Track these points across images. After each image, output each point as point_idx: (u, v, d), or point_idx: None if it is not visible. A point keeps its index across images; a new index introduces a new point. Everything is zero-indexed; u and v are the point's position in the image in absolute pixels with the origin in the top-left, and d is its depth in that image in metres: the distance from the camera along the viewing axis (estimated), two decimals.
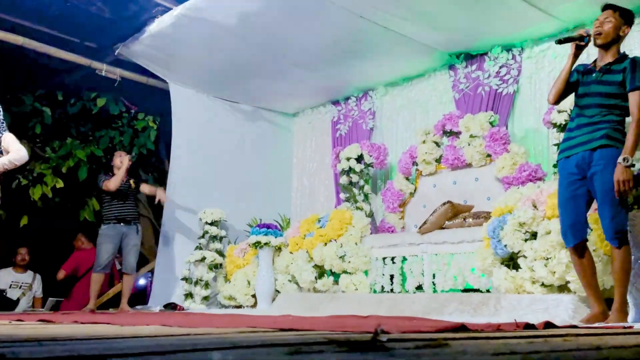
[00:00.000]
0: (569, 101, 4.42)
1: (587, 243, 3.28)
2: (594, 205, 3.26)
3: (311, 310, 4.78)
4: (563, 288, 3.69)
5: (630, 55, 3.23)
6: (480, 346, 1.07)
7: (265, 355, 0.91)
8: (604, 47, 3.22)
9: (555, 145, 4.69)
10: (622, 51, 3.27)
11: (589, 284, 3.16)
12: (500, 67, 5.51)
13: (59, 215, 7.02)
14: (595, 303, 3.13)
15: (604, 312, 3.10)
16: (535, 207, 3.92)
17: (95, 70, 6.29)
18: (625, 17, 3.22)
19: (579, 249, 3.19)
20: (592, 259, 3.23)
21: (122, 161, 5.78)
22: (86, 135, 7.20)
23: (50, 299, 6.40)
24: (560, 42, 3.36)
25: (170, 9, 5.31)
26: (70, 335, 1.61)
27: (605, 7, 3.26)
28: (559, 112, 4.54)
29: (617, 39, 3.21)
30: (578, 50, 3.28)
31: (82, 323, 3.01)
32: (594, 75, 3.24)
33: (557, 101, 3.41)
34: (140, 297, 7.30)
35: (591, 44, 3.28)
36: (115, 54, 5.97)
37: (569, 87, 3.34)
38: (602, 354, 0.90)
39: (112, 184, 5.67)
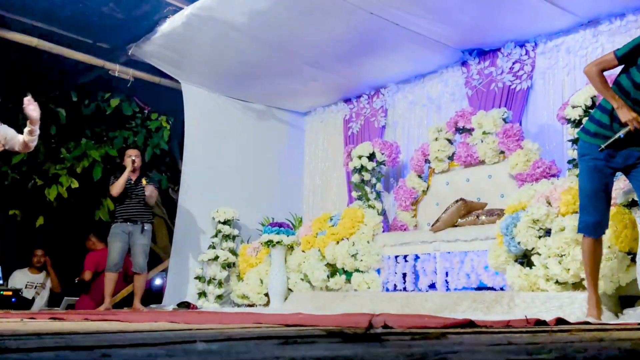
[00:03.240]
0: (584, 96, 4.36)
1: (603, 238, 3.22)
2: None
3: (323, 308, 4.76)
4: (577, 285, 3.62)
5: None
6: (478, 338, 1.04)
7: (254, 347, 0.89)
8: None
9: (569, 141, 4.62)
10: None
11: (596, 276, 3.13)
12: (514, 63, 5.44)
13: (74, 215, 7.09)
14: (595, 295, 3.10)
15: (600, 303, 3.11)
16: (549, 203, 3.85)
17: (109, 71, 6.34)
18: None
19: (600, 240, 3.13)
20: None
21: (126, 164, 5.80)
22: (100, 135, 7.27)
23: (65, 298, 6.46)
24: (603, 150, 3.03)
25: (181, 8, 5.33)
26: (72, 330, 1.61)
27: None
28: (573, 107, 4.46)
29: None
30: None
31: (92, 320, 3.02)
32: None
33: None
34: (156, 296, 7.34)
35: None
36: (128, 54, 6.02)
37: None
38: (602, 345, 0.87)
39: (114, 189, 5.69)
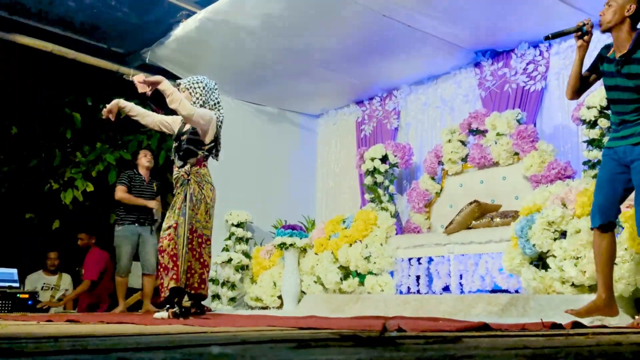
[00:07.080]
0: (599, 97, 4.33)
1: (618, 238, 3.14)
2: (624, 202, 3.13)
3: (336, 311, 4.75)
4: (594, 288, 3.58)
5: None
6: (494, 342, 1.03)
7: (268, 350, 0.89)
8: (611, 32, 3.03)
9: (585, 142, 4.58)
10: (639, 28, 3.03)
11: (602, 269, 2.97)
12: (528, 64, 5.41)
13: (89, 218, 7.15)
14: (602, 291, 2.95)
15: (608, 302, 2.94)
16: (564, 205, 3.82)
17: (123, 75, 6.40)
18: None
19: (603, 230, 2.98)
20: (615, 246, 3.03)
21: (141, 163, 5.84)
22: (115, 139, 7.32)
23: None
24: (549, 38, 3.17)
25: (194, 12, 5.36)
26: (89, 333, 1.62)
27: None
28: (588, 108, 4.43)
29: (623, 20, 2.96)
30: (583, 41, 3.09)
31: (107, 323, 3.05)
32: (613, 66, 3.03)
33: (576, 96, 3.23)
34: None
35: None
36: (142, 58, 6.07)
37: (586, 79, 3.18)
38: (620, 349, 0.86)
39: (123, 199, 5.61)
